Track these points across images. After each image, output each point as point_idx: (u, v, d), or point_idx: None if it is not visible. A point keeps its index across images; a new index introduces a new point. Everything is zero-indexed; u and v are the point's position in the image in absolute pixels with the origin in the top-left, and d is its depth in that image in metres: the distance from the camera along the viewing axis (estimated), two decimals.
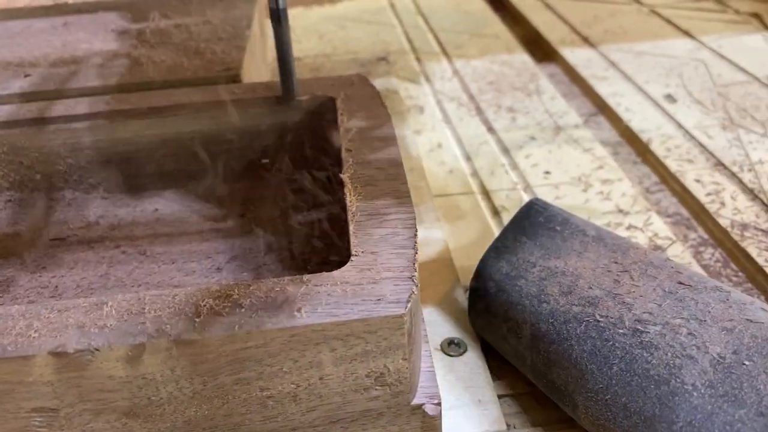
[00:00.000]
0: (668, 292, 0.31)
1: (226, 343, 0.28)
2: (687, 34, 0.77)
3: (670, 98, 0.63)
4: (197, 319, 0.28)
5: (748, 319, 0.29)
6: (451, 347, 0.37)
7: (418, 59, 0.75)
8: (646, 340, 0.29)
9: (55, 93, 0.51)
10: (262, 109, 0.47)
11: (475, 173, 0.54)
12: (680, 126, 0.59)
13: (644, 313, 0.30)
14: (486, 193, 0.51)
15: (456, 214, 0.49)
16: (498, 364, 0.36)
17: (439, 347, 0.37)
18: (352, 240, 0.33)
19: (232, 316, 0.28)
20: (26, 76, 0.53)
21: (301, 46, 0.80)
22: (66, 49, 0.58)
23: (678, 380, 0.27)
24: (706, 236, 0.47)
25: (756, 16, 0.81)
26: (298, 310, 0.28)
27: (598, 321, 0.31)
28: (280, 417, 0.30)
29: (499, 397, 0.35)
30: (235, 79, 0.52)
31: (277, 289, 0.30)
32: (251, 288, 0.30)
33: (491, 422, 0.33)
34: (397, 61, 0.75)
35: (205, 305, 0.29)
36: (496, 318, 0.35)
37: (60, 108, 0.47)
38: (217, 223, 0.46)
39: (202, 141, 0.48)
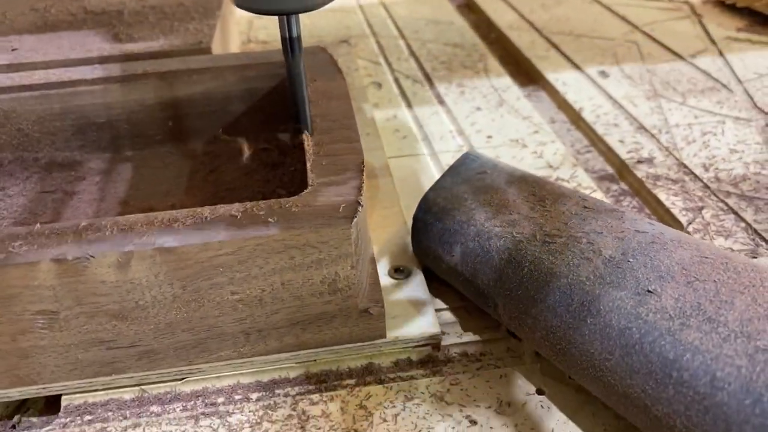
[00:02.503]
0: (574, 213, 0.37)
1: (202, 251, 0.33)
2: (624, 19, 0.84)
3: (603, 74, 0.70)
4: (177, 231, 0.34)
5: (636, 230, 0.35)
6: (397, 273, 0.43)
7: (378, 43, 0.81)
8: (553, 248, 0.35)
9: (40, 64, 0.56)
10: (234, 77, 0.53)
11: (426, 138, 0.60)
12: (610, 97, 0.65)
13: (553, 229, 0.37)
14: (435, 155, 0.57)
15: (407, 172, 0.55)
16: (436, 286, 0.42)
17: (387, 273, 0.43)
18: (309, 173, 0.38)
19: (206, 229, 0.34)
20: (13, 50, 0.58)
21: (269, 32, 0.85)
22: (47, 26, 0.63)
23: (575, 275, 0.33)
24: (626, 188, 0.54)
25: (687, 3, 0.88)
26: (264, 223, 0.34)
27: (515, 236, 0.37)
28: (249, 319, 0.36)
29: (436, 311, 0.41)
30: (206, 52, 0.57)
31: (245, 208, 0.35)
32: (222, 209, 0.35)
33: (428, 327, 0.39)
34: (358, 44, 0.81)
35: (183, 221, 0.34)
36: (433, 242, 0.40)
37: (41, 75, 0.52)
38: (191, 177, 0.51)
39: (178, 105, 0.53)
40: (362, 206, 0.35)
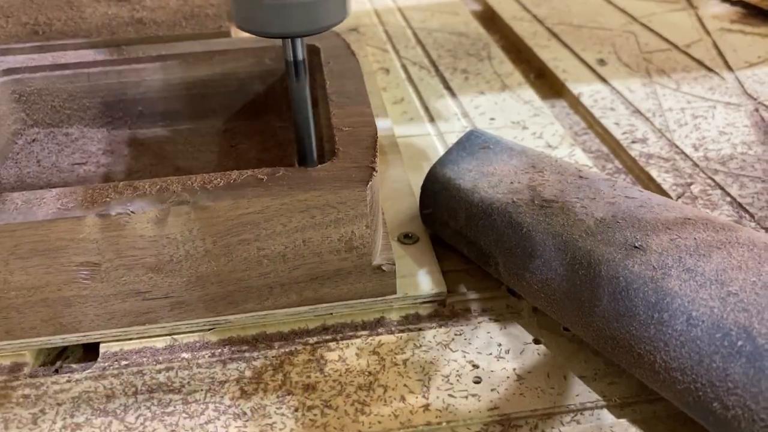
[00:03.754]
0: (570, 183, 0.41)
1: (232, 209, 0.37)
2: (623, 11, 0.87)
3: (602, 62, 0.73)
4: (210, 190, 0.37)
5: (626, 196, 0.39)
6: (406, 238, 0.46)
7: (386, 31, 0.85)
8: (549, 211, 0.39)
9: (69, 46, 0.60)
10: (253, 59, 0.56)
11: (432, 120, 0.64)
12: (607, 83, 0.69)
13: (550, 196, 0.40)
14: (440, 135, 0.61)
15: (415, 150, 0.59)
16: (442, 251, 0.46)
17: (396, 239, 0.46)
18: (330, 145, 0.42)
19: (236, 189, 0.37)
20: (42, 33, 0.61)
21: None
22: (74, 11, 0.67)
23: (569, 234, 0.37)
24: (620, 166, 0.57)
25: None
26: (287, 185, 0.38)
27: (515, 202, 0.40)
28: (272, 274, 0.39)
29: (443, 272, 0.44)
30: (226, 35, 0.61)
31: (271, 172, 0.39)
32: (250, 172, 0.39)
33: (435, 285, 0.42)
34: (366, 32, 0.84)
35: (215, 182, 0.38)
36: (439, 209, 0.44)
37: (71, 56, 0.56)
38: (212, 153, 0.54)
39: (200, 85, 0.56)
40: (376, 172, 0.39)
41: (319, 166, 0.39)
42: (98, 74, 0.55)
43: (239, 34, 0.65)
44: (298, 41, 0.37)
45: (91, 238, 0.37)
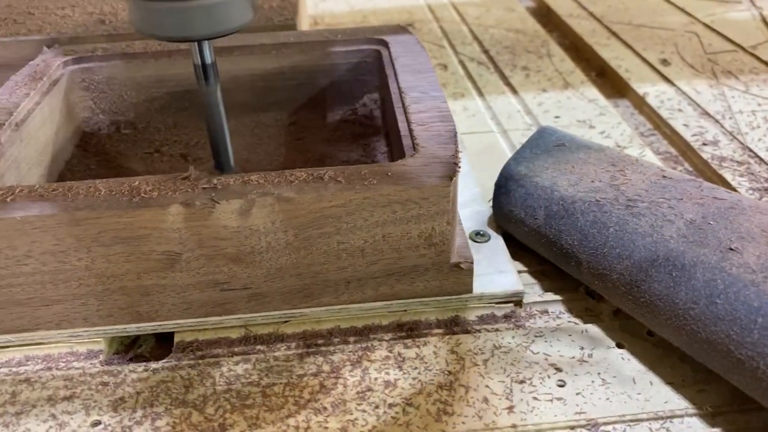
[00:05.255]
0: (654, 182, 0.40)
1: (315, 202, 0.37)
2: (682, 10, 0.85)
3: (665, 62, 0.72)
4: (294, 183, 0.37)
5: (715, 197, 0.38)
6: (478, 236, 0.45)
7: (441, 27, 0.84)
8: (636, 211, 0.38)
9: (133, 36, 0.60)
10: (319, 52, 0.56)
11: (494, 117, 0.63)
12: (672, 84, 0.67)
13: (635, 195, 0.39)
14: (504, 132, 0.60)
15: (479, 147, 0.58)
16: (515, 250, 0.45)
17: (468, 237, 0.45)
18: (409, 141, 0.41)
19: (320, 183, 0.37)
20: (109, 22, 0.62)
21: (334, 13, 0.88)
22: None
23: (659, 234, 0.36)
24: (690, 168, 0.56)
25: None
26: (371, 180, 0.37)
27: (598, 201, 0.39)
28: (350, 268, 0.39)
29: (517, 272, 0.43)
30: (291, 28, 0.60)
31: (355, 168, 0.38)
32: (334, 168, 0.38)
33: (512, 285, 0.41)
34: (421, 28, 0.83)
35: (298, 176, 0.37)
36: (515, 207, 0.43)
37: (139, 45, 0.56)
38: (278, 147, 0.54)
39: (266, 77, 0.56)
40: (459, 168, 0.38)
41: (400, 161, 0.39)
42: (166, 64, 0.55)
43: (304, 26, 0.65)
44: (205, 44, 0.37)
45: (174, 227, 0.37)
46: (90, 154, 0.53)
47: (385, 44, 0.54)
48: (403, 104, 0.45)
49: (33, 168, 0.47)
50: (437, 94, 0.46)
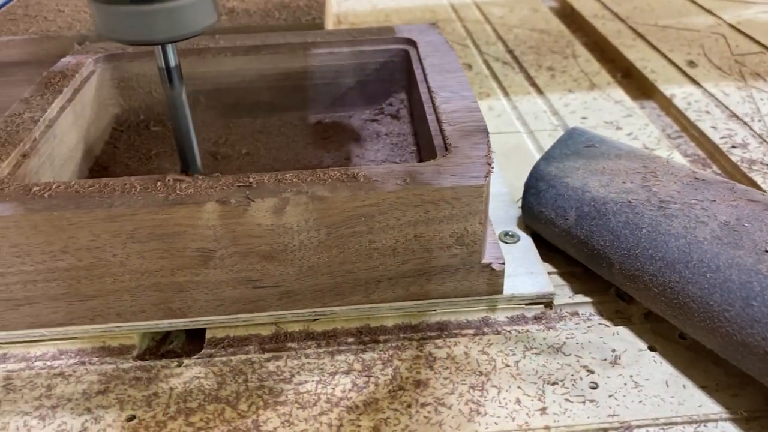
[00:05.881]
0: (686, 184, 0.40)
1: (349, 201, 0.37)
2: (708, 11, 0.85)
3: (692, 64, 0.71)
4: (328, 183, 0.37)
5: (749, 199, 0.38)
6: (507, 237, 0.45)
7: (465, 27, 0.84)
8: (668, 212, 0.38)
9: None
10: (347, 51, 0.56)
11: (520, 117, 0.63)
12: (700, 85, 0.67)
13: (667, 196, 0.39)
14: (531, 133, 0.60)
15: (506, 147, 0.58)
16: (544, 252, 0.45)
17: (497, 238, 0.45)
18: (441, 140, 0.41)
19: (352, 182, 0.37)
20: None
21: (357, 11, 0.88)
22: None
23: (692, 236, 0.36)
24: (719, 171, 0.56)
25: None
26: (404, 179, 0.37)
27: (630, 202, 0.39)
28: (381, 267, 0.39)
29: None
30: (319, 27, 0.61)
31: (388, 168, 0.38)
32: (367, 167, 0.38)
33: (542, 286, 0.41)
34: (445, 28, 0.83)
35: (332, 176, 0.38)
36: (545, 208, 0.43)
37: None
38: (305, 145, 0.54)
39: (294, 77, 0.56)
40: (492, 168, 0.38)
41: (433, 161, 0.39)
42: (194, 62, 0.55)
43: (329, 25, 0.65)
44: (169, 47, 0.37)
45: (209, 224, 0.37)
46: (120, 151, 0.53)
47: (414, 44, 0.54)
48: (433, 104, 0.45)
49: (66, 164, 0.47)
50: (467, 94, 0.46)
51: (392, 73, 0.57)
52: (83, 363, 0.39)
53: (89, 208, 0.36)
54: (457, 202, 0.37)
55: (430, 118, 0.44)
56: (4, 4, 0.72)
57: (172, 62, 0.37)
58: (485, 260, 0.40)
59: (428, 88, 0.47)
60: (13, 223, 0.36)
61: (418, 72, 0.51)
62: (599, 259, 0.40)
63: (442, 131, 0.42)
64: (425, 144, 0.45)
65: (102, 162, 0.52)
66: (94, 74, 0.53)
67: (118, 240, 0.37)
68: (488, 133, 0.41)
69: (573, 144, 0.46)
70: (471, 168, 0.38)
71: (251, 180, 0.37)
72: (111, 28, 0.33)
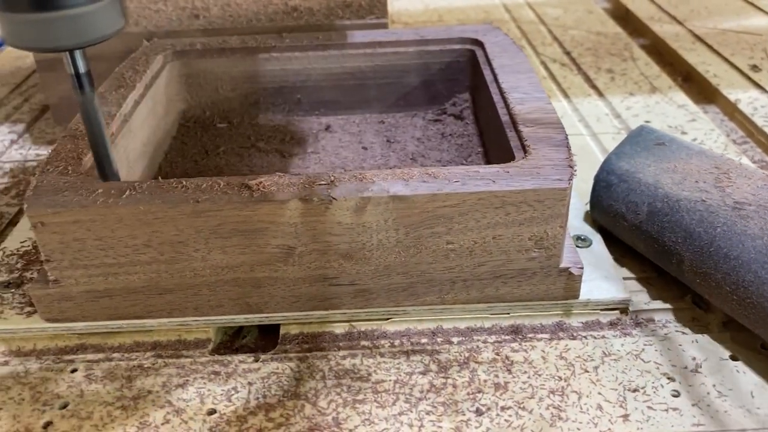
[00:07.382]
0: (761, 186, 0.39)
1: (429, 201, 0.37)
2: None
3: (755, 68, 0.70)
4: (409, 183, 0.37)
5: None
6: (579, 241, 0.45)
7: (519, 28, 0.83)
8: (744, 213, 0.37)
9: (227, 31, 0.61)
10: (412, 51, 0.56)
11: (582, 119, 0.62)
12: (765, 90, 0.65)
13: (741, 198, 0.38)
14: (594, 135, 0.59)
15: None
16: (617, 257, 0.44)
17: (572, 242, 0.45)
18: (517, 142, 0.41)
19: (433, 183, 0.37)
20: (204, 17, 0.63)
21: (409, 11, 0.88)
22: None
23: None
24: None
25: None
26: (486, 180, 0.37)
27: (704, 200, 0.39)
28: (457, 268, 0.39)
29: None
30: (383, 26, 0.61)
31: (466, 170, 0.38)
32: (448, 168, 0.38)
33: (618, 291, 0.41)
34: (499, 28, 0.83)
35: (413, 176, 0.38)
36: (616, 202, 0.43)
37: (234, 41, 0.57)
38: (371, 145, 0.54)
39: (358, 76, 0.57)
40: (575, 171, 0.38)
41: (512, 163, 0.39)
42: (261, 60, 0.56)
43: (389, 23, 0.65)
44: (77, 53, 0.36)
45: (291, 221, 0.37)
46: (188, 147, 0.54)
47: (480, 44, 0.54)
48: (507, 105, 0.45)
49: (139, 159, 0.48)
50: (540, 95, 0.46)
51: (457, 74, 0.56)
52: (160, 356, 0.40)
53: (174, 203, 0.36)
54: (539, 205, 0.37)
55: (504, 119, 0.44)
56: None
57: (82, 68, 0.36)
58: (563, 264, 0.39)
59: (500, 89, 0.47)
60: (99, 216, 0.37)
61: (486, 73, 0.51)
62: (670, 256, 0.40)
63: (518, 132, 0.42)
64: (497, 145, 0.45)
65: (171, 157, 0.53)
66: (164, 70, 0.54)
67: (201, 235, 0.37)
68: (567, 135, 0.41)
69: (643, 141, 0.46)
70: (553, 170, 0.38)
71: (332, 178, 0.37)
72: (17, 37, 0.33)
